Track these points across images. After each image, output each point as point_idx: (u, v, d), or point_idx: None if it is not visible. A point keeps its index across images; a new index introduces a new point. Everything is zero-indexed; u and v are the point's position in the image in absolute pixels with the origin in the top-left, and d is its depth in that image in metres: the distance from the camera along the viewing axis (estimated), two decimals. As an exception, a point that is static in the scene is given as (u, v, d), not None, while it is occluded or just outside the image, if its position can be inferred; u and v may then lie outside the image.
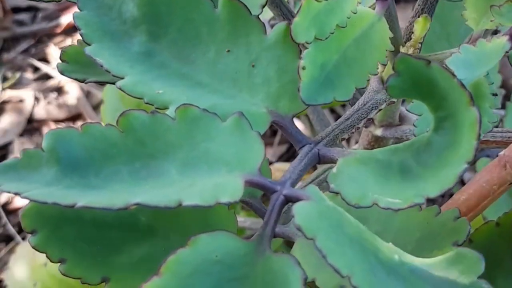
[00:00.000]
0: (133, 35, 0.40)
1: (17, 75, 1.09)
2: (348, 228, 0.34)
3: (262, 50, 0.40)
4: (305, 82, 0.37)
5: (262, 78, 0.40)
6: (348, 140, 0.97)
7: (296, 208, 0.34)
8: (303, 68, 0.37)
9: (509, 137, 0.47)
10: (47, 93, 1.07)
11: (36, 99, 1.07)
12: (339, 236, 0.34)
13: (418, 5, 0.46)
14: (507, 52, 0.38)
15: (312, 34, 0.37)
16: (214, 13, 0.40)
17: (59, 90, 1.07)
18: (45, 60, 1.10)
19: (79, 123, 1.05)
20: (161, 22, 0.40)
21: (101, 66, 0.38)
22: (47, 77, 1.09)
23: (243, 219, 0.68)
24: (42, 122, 1.05)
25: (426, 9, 0.45)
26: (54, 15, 1.15)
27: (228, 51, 0.40)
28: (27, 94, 1.07)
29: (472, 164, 0.65)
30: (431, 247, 0.43)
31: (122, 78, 0.38)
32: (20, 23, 1.14)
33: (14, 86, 1.08)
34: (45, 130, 1.04)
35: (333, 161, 0.38)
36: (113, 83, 0.39)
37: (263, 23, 0.40)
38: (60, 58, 0.43)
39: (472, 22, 0.41)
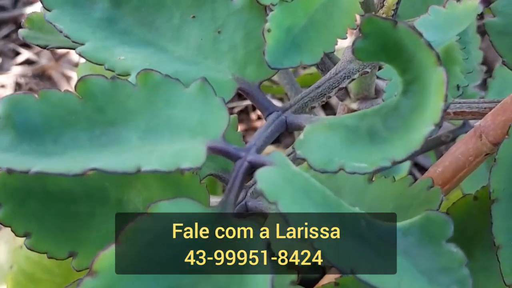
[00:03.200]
0: (95, 1, 0.39)
1: (-1, 60, 1.08)
2: (313, 193, 0.33)
3: (228, 15, 0.39)
4: (270, 45, 0.36)
5: (228, 44, 0.39)
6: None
7: (259, 172, 0.33)
8: (268, 31, 0.36)
9: (484, 108, 0.46)
10: (29, 78, 1.06)
11: (18, 84, 1.06)
12: (304, 200, 0.33)
13: (392, -28, 0.45)
14: (479, 15, 0.37)
15: (278, -5, 0.36)
16: (179, -22, 0.39)
17: (41, 76, 1.06)
18: (27, 45, 1.09)
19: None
20: (124, -13, 0.39)
21: (61, 31, 0.37)
22: (29, 62, 1.07)
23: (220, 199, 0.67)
24: (24, 108, 1.04)
25: (399, -24, 0.44)
26: (35, 0, 1.13)
27: (193, 17, 0.39)
28: (8, 80, 1.06)
29: (452, 140, 0.65)
30: (404, 217, 0.42)
31: (83, 44, 0.37)
32: (1, 8, 1.13)
33: (-5, 72, 1.07)
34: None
35: (300, 128, 0.37)
36: (74, 49, 0.38)
37: (229, -12, 0.39)
38: (23, 25, 0.42)
39: (444, -14, 0.40)
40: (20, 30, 0.42)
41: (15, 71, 1.06)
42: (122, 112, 0.35)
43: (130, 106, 0.35)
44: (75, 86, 0.35)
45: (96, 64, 0.37)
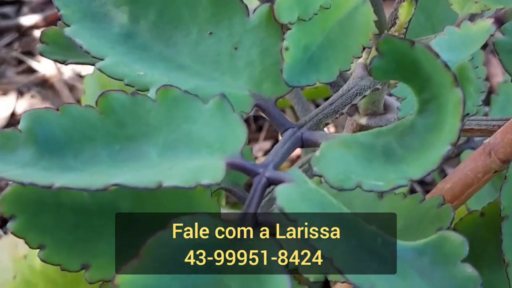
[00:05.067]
0: (113, 16, 0.39)
1: (1, 68, 1.08)
2: (330, 210, 0.34)
3: (245, 32, 0.40)
4: (288, 63, 0.37)
5: (245, 61, 0.40)
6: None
7: (278, 190, 0.33)
8: (286, 49, 0.37)
9: (493, 125, 0.47)
10: (31, 86, 1.06)
11: (20, 92, 1.06)
12: (321, 217, 0.33)
13: (403, -9, 0.45)
14: (492, 35, 0.38)
15: (295, 15, 0.37)
16: (196, -5, 0.40)
17: (43, 84, 1.06)
18: (29, 53, 1.09)
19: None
20: (142, 4, 0.40)
21: (81, 47, 0.37)
22: (31, 70, 1.08)
23: (227, 211, 0.68)
24: (26, 116, 1.04)
25: (411, -5, 0.45)
26: (39, 8, 1.14)
27: (211, 33, 0.40)
28: (10, 88, 1.06)
29: (457, 156, 0.65)
30: (415, 234, 0.42)
31: (102, 60, 0.38)
32: (4, 16, 1.13)
33: (-3, 79, 1.07)
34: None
35: (316, 145, 0.38)
36: (93, 65, 0.38)
37: (246, 5, 0.40)
38: (40, 40, 0.42)
39: (457, 6, 0.41)
40: (37, 45, 0.43)
41: (18, 79, 1.06)
42: (142, 128, 0.35)
43: (150, 121, 0.35)
44: (96, 101, 0.35)
45: (116, 79, 0.38)
